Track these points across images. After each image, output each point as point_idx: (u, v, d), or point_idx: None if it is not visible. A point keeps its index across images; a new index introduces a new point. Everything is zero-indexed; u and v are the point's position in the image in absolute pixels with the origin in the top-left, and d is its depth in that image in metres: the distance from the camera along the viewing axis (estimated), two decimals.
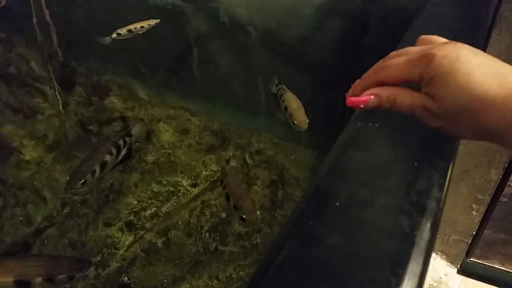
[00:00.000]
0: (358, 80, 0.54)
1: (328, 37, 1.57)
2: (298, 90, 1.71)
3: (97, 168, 1.27)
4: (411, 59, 0.48)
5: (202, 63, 1.91)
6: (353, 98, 0.52)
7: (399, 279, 0.35)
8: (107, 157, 1.32)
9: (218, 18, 1.72)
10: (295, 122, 1.31)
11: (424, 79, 0.46)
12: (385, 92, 0.50)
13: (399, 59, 0.49)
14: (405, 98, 0.48)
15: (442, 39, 0.51)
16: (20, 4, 2.07)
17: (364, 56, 1.42)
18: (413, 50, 0.50)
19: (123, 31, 1.57)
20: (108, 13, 1.96)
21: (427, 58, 0.46)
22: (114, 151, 1.35)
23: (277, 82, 1.47)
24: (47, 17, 1.98)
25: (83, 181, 1.22)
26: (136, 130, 1.50)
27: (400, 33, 0.75)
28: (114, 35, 1.55)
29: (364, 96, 0.51)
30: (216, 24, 1.75)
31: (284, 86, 1.44)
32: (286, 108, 1.36)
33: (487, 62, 0.45)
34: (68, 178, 1.27)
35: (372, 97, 0.50)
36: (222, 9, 1.70)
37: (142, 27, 1.59)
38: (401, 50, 0.51)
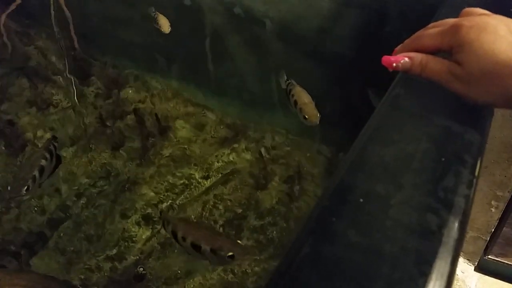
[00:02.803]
0: (400, 45, 0.58)
1: (346, 29, 1.54)
2: (315, 83, 1.69)
3: (37, 174, 1.30)
4: (443, 30, 0.52)
5: (218, 57, 1.90)
6: (391, 57, 0.55)
7: (427, 279, 0.33)
8: (44, 162, 1.35)
9: (233, 11, 1.71)
10: (306, 116, 1.29)
11: (453, 47, 0.49)
12: (418, 57, 0.53)
13: (433, 30, 0.53)
14: (435, 64, 0.51)
15: (483, 11, 0.54)
16: None
17: (383, 49, 1.40)
18: (448, 21, 0.53)
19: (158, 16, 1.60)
20: (124, 6, 1.97)
21: (456, 28, 0.49)
22: (48, 156, 1.37)
23: (286, 77, 1.45)
24: (64, 9, 1.99)
25: (26, 187, 1.25)
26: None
27: (422, 25, 0.73)
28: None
29: (399, 57, 0.54)
30: (232, 17, 1.74)
31: (293, 81, 1.43)
32: (296, 102, 1.35)
33: None
34: (9, 186, 1.30)
35: (406, 58, 0.53)
36: (238, 1, 1.69)
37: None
38: (439, 22, 0.55)
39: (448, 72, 0.49)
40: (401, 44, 0.58)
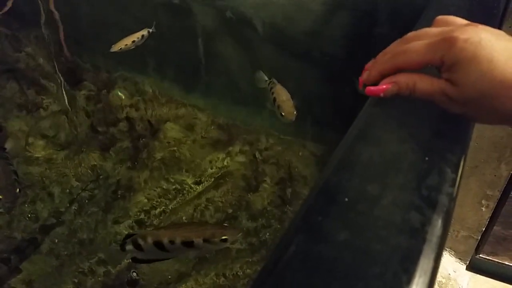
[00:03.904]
0: (372, 62, 0.53)
1: (336, 31, 1.55)
2: (307, 84, 1.70)
3: (16, 177, 1.34)
4: (431, 43, 0.46)
5: (209, 59, 1.90)
6: (372, 88, 0.51)
7: (410, 276, 0.34)
8: (12, 167, 1.39)
9: (224, 13, 1.71)
10: (283, 113, 1.34)
11: (446, 64, 0.45)
12: (403, 79, 0.48)
13: (418, 43, 0.48)
14: (424, 84, 0.47)
15: (461, 20, 0.50)
16: (28, 1, 2.08)
17: (373, 50, 1.41)
18: (432, 32, 0.48)
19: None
20: (115, 9, 1.96)
21: (449, 42, 0.44)
22: (10, 161, 1.43)
23: (266, 77, 1.51)
24: (54, 13, 1.98)
25: (18, 189, 1.29)
26: (9, 144, 1.55)
27: (411, 26, 0.74)
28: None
29: (383, 84, 0.50)
30: (223, 20, 1.74)
31: (274, 80, 1.48)
32: (275, 100, 1.39)
33: (510, 45, 0.44)
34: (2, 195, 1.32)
35: (390, 85, 0.49)
36: (229, 4, 1.69)
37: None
38: (419, 32, 0.50)
39: (442, 93, 0.46)
40: (375, 62, 0.52)
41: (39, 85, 2.03)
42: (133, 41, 1.56)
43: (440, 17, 0.52)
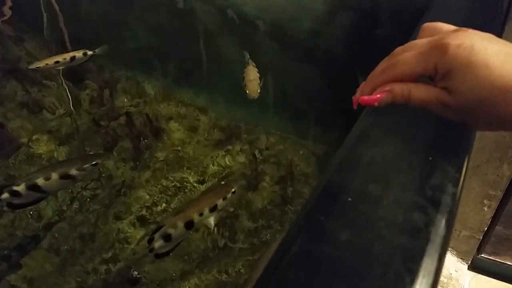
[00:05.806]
0: (364, 83, 0.51)
1: (338, 31, 1.55)
2: (308, 83, 1.70)
3: None
4: (422, 52, 0.45)
5: (211, 59, 1.90)
6: (366, 97, 0.49)
7: (413, 276, 0.34)
8: None
9: (226, 13, 1.71)
10: (247, 91, 1.46)
11: (440, 72, 0.44)
12: (398, 88, 0.47)
13: (408, 54, 0.46)
14: (420, 93, 0.46)
15: (448, 26, 0.48)
16: (30, 1, 2.08)
17: (375, 50, 1.41)
18: (421, 42, 0.46)
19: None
20: (118, 9, 1.96)
21: (441, 49, 0.43)
22: None
23: (248, 56, 1.60)
24: (57, 13, 1.98)
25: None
26: None
27: (412, 26, 0.74)
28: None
29: (377, 93, 0.48)
30: (225, 19, 1.74)
31: (250, 61, 1.57)
32: (243, 79, 1.50)
33: (503, 48, 0.42)
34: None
35: (384, 95, 0.48)
36: (231, 4, 1.69)
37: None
38: (406, 45, 0.48)
39: (438, 102, 0.45)
40: (367, 80, 0.51)
41: (42, 85, 2.03)
42: (57, 62, 1.45)
43: (426, 24, 0.50)
